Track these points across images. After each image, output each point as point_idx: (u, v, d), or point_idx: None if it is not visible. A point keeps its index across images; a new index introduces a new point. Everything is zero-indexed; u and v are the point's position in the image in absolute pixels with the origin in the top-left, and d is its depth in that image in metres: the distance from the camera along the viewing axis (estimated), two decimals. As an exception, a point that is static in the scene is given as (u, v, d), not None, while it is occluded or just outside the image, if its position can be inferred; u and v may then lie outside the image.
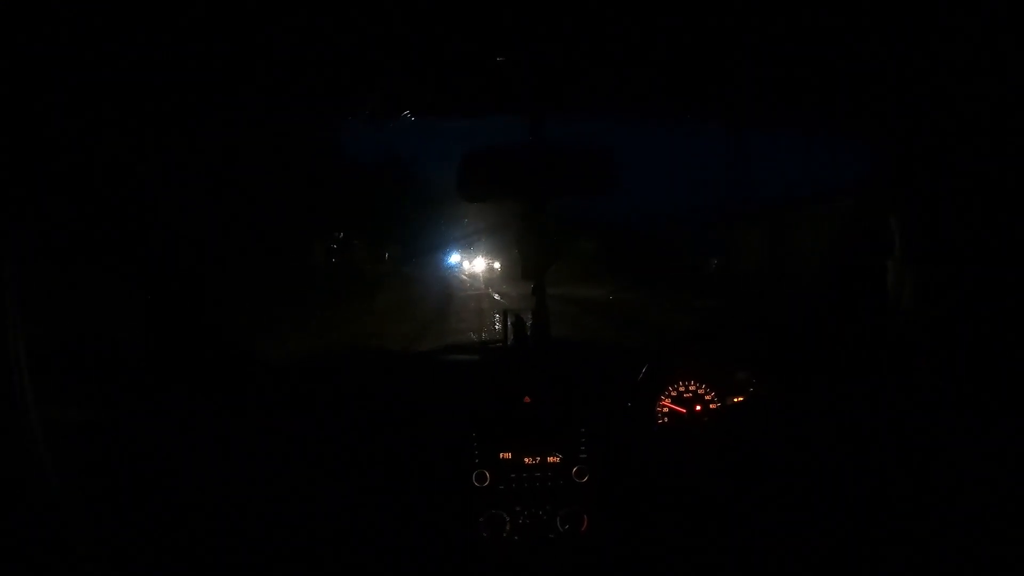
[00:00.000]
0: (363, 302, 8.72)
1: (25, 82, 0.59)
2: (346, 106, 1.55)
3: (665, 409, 1.66)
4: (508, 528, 1.41)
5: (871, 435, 1.52)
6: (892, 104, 1.57)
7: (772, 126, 2.15)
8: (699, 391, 1.69)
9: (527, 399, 1.53)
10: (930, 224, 1.59)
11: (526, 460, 1.46)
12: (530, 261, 1.64)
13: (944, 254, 1.56)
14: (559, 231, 1.66)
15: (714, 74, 1.57)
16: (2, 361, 0.62)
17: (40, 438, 0.62)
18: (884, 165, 1.75)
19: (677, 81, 1.62)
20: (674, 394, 1.68)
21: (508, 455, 1.46)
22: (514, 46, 1.38)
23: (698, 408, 1.68)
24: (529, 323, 1.78)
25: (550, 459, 1.46)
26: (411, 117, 1.56)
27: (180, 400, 1.48)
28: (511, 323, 1.81)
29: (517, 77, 1.50)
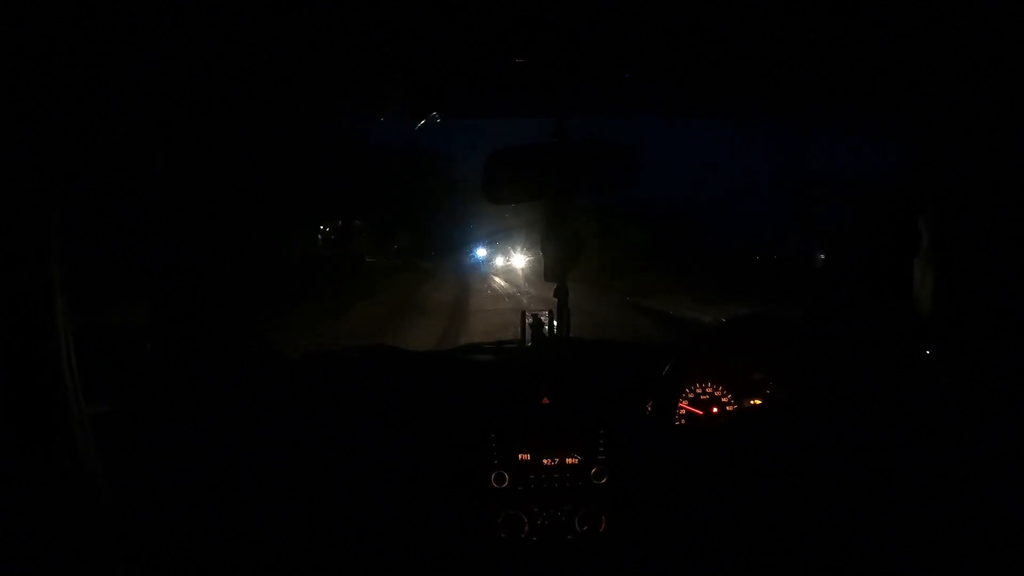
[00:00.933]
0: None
1: (28, 82, 0.60)
2: (374, 107, 1.56)
3: (682, 411, 1.67)
4: (527, 529, 1.42)
5: (887, 439, 1.51)
6: (924, 101, 1.54)
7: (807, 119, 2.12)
8: (715, 393, 1.70)
9: (545, 400, 1.54)
10: (956, 224, 1.57)
11: (545, 461, 1.47)
12: (553, 263, 1.64)
13: (969, 255, 1.54)
14: (584, 233, 1.66)
15: (744, 70, 1.55)
16: (54, 358, 0.63)
17: (90, 435, 0.64)
18: (913, 162, 1.72)
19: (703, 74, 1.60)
20: (691, 396, 1.69)
21: (527, 456, 1.47)
22: (540, 46, 1.37)
23: (715, 410, 1.69)
24: (546, 324, 1.79)
25: (569, 460, 1.47)
26: (438, 120, 1.56)
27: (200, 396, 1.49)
28: (528, 324, 1.82)
29: (541, 77, 1.50)
